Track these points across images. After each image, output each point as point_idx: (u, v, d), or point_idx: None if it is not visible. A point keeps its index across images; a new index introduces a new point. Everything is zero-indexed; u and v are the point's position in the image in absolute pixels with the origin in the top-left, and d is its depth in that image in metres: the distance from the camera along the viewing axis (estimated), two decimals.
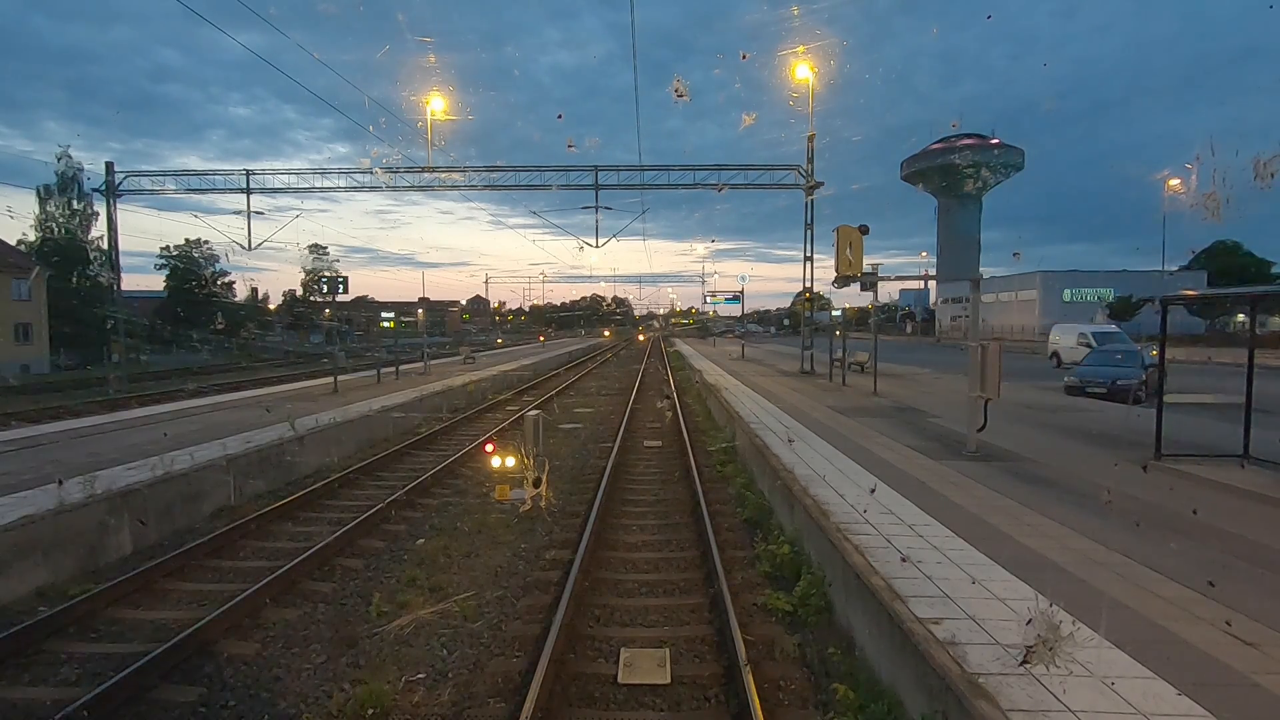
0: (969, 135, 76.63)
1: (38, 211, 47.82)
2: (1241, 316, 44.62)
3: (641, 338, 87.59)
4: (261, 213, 28.22)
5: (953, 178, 76.63)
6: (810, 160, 23.43)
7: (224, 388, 23.49)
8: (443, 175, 25.28)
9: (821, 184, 23.34)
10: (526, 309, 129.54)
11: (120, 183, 25.93)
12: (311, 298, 75.08)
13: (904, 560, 5.27)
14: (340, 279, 22.50)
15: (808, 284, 23.96)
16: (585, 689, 4.82)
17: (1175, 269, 58.72)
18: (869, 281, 14.71)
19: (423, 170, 24.96)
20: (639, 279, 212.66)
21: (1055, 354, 31.91)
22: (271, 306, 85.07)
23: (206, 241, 59.47)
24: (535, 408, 14.85)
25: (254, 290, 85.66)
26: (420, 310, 43.84)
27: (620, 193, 26.61)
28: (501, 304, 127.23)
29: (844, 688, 4.47)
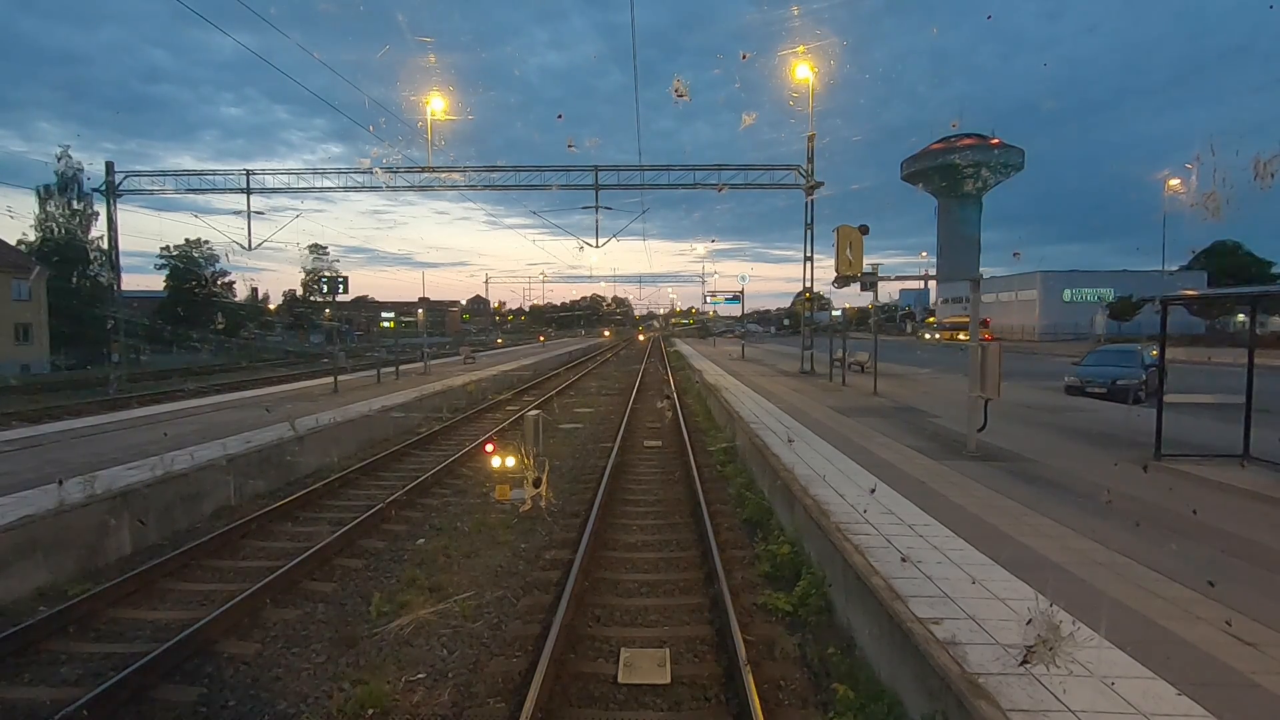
0: (969, 135, 76.71)
1: (38, 211, 48.03)
2: (1241, 316, 44.61)
3: (641, 338, 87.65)
4: (261, 213, 28.23)
5: (953, 178, 76.73)
6: (810, 160, 23.42)
7: (224, 388, 23.49)
8: (443, 175, 25.25)
9: (822, 184, 23.34)
10: (526, 309, 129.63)
11: (120, 183, 25.93)
12: (311, 298, 75.17)
13: (904, 560, 5.26)
14: (340, 279, 22.47)
15: (808, 284, 23.97)
16: (585, 689, 4.82)
17: (1175, 269, 58.84)
18: (869, 281, 14.70)
19: (422, 170, 24.94)
20: (639, 279, 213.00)
21: None
22: (271, 306, 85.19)
23: (206, 241, 59.66)
24: (535, 408, 14.85)
25: (254, 290, 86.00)
26: (420, 310, 43.88)
27: (620, 193, 26.60)
28: (501, 304, 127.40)
29: (844, 688, 4.47)
